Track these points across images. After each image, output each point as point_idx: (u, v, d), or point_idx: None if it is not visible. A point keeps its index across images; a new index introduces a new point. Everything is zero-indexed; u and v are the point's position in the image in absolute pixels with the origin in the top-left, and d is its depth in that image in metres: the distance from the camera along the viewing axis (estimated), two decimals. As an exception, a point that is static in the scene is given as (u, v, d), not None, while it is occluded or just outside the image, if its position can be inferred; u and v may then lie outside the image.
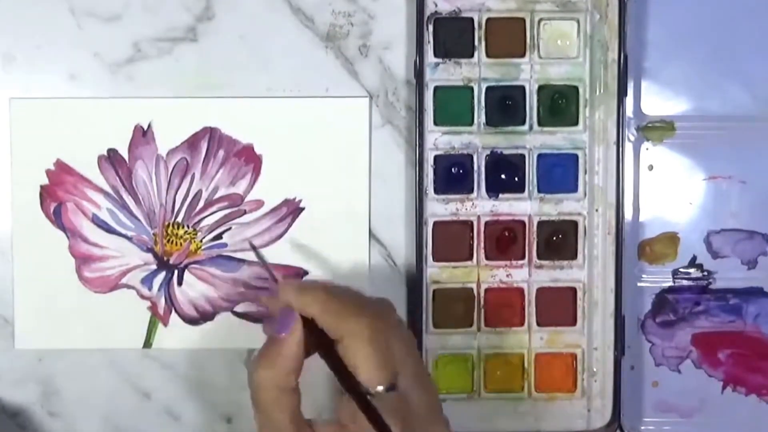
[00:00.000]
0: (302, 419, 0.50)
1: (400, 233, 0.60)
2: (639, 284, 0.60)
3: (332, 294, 0.50)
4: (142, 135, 0.59)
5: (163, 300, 0.60)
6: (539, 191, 0.59)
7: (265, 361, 0.49)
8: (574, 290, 0.59)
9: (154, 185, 0.59)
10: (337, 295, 0.50)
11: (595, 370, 0.60)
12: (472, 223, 0.59)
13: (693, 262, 0.60)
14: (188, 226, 0.59)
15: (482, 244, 0.59)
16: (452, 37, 0.58)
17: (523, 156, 0.59)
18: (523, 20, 0.58)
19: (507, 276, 0.59)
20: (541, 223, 0.59)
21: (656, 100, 0.60)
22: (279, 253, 0.59)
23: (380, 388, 0.48)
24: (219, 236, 0.59)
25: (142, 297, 0.60)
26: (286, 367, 0.49)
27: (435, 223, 0.59)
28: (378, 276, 0.60)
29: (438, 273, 0.59)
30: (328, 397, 0.59)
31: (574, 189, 0.59)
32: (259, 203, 0.59)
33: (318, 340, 0.49)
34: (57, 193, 0.59)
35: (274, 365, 0.49)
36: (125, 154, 0.59)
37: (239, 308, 0.60)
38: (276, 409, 0.50)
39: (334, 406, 0.51)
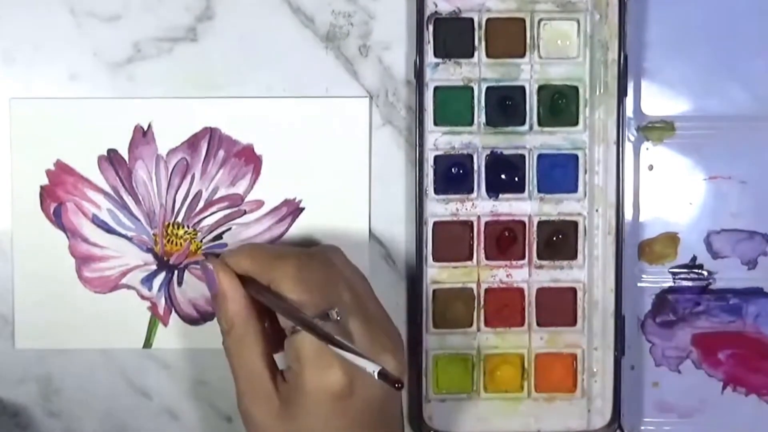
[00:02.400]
0: (272, 360, 0.53)
1: (400, 233, 0.60)
2: (639, 284, 0.60)
3: (260, 246, 0.56)
4: (142, 135, 0.59)
5: (163, 300, 0.60)
6: (539, 191, 0.59)
7: (219, 314, 0.53)
8: (574, 290, 0.59)
9: (154, 185, 0.59)
10: (265, 246, 0.57)
11: (595, 370, 0.60)
12: (472, 223, 0.59)
13: (693, 262, 0.60)
14: (188, 227, 0.59)
15: (482, 244, 0.59)
16: (452, 37, 0.58)
17: (523, 156, 0.59)
18: (523, 20, 0.58)
19: (507, 276, 0.59)
20: (541, 223, 0.59)
21: (656, 100, 0.60)
22: (279, 253, 0.59)
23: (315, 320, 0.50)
24: (219, 236, 0.59)
25: (142, 297, 0.60)
26: (234, 310, 0.52)
27: (435, 223, 0.59)
28: (378, 276, 0.60)
29: (438, 273, 0.59)
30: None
31: (574, 189, 0.59)
32: (259, 203, 0.59)
33: (256, 291, 0.52)
34: (57, 193, 0.59)
35: (224, 317, 0.53)
36: (125, 154, 0.59)
37: (239, 308, 0.60)
38: (244, 352, 0.53)
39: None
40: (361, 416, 0.51)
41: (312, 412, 0.51)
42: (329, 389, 0.50)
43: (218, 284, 0.53)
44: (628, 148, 0.60)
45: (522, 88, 0.58)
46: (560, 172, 0.59)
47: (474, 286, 0.59)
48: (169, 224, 0.59)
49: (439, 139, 0.59)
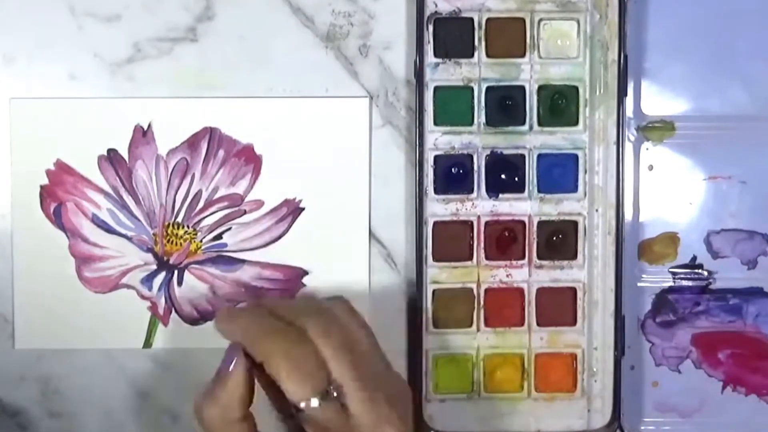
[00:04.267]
0: None
1: (400, 233, 0.60)
2: (639, 284, 0.60)
3: (255, 318, 0.50)
4: (142, 135, 0.59)
5: (163, 300, 0.60)
6: (539, 191, 0.59)
7: (210, 399, 0.50)
8: (574, 290, 0.59)
9: (154, 185, 0.59)
10: (260, 318, 0.50)
11: (595, 370, 0.60)
12: (472, 223, 0.59)
13: (693, 262, 0.60)
14: (188, 226, 0.59)
15: (482, 244, 0.59)
16: (452, 37, 0.58)
17: (523, 156, 0.59)
18: (523, 20, 0.58)
19: (507, 276, 0.59)
20: (541, 223, 0.59)
21: (656, 100, 0.60)
22: (279, 253, 0.59)
23: (313, 401, 0.48)
24: (219, 236, 0.59)
25: (142, 297, 0.60)
26: (230, 402, 0.49)
27: (435, 223, 0.59)
28: (378, 276, 0.60)
29: (438, 273, 0.59)
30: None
31: (574, 189, 0.59)
32: (259, 203, 0.59)
33: (253, 367, 0.49)
34: (57, 193, 0.59)
35: (218, 403, 0.49)
36: (125, 154, 0.59)
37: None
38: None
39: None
40: None
41: None
42: None
43: (233, 366, 0.49)
44: (628, 148, 0.60)
45: (522, 88, 0.58)
46: (560, 172, 0.59)
47: (474, 286, 0.59)
48: (169, 224, 0.59)
49: (439, 139, 0.59)
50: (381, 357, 0.52)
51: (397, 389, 0.51)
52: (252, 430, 0.50)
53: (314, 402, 0.48)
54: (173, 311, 0.60)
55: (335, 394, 0.48)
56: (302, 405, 0.48)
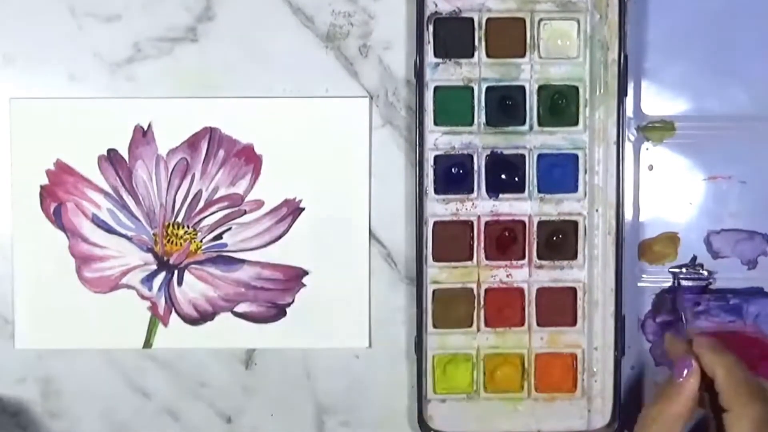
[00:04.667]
0: None
1: (400, 233, 0.60)
2: (639, 284, 0.60)
3: (741, 367, 0.52)
4: (142, 135, 0.59)
5: (163, 300, 0.60)
6: (539, 191, 0.59)
7: (665, 398, 0.53)
8: (574, 290, 0.59)
9: (154, 185, 0.59)
10: (745, 370, 0.52)
11: (595, 370, 0.60)
12: (472, 223, 0.59)
13: (693, 262, 0.60)
14: (188, 226, 0.59)
15: (482, 244, 0.59)
16: (452, 37, 0.58)
17: (523, 156, 0.59)
18: (523, 20, 0.58)
19: (507, 276, 0.59)
20: (541, 223, 0.59)
21: (656, 100, 0.60)
22: (279, 253, 0.59)
23: None
24: (219, 236, 0.59)
25: (142, 297, 0.60)
26: (680, 405, 0.52)
27: (435, 223, 0.59)
28: (378, 276, 0.60)
29: (438, 273, 0.59)
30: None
31: (574, 189, 0.59)
32: (259, 203, 0.59)
33: (710, 400, 0.52)
34: (57, 193, 0.59)
35: (673, 401, 0.53)
36: (125, 154, 0.59)
37: (239, 308, 0.60)
38: None
39: None
40: None
41: None
42: None
43: (686, 378, 0.53)
44: (628, 148, 0.60)
45: (522, 88, 0.58)
46: (560, 172, 0.59)
47: (474, 286, 0.59)
48: (169, 224, 0.59)
49: (439, 139, 0.59)
50: None
51: None
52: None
53: None
54: (173, 311, 0.60)
55: None
56: None
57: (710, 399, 0.53)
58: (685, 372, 0.53)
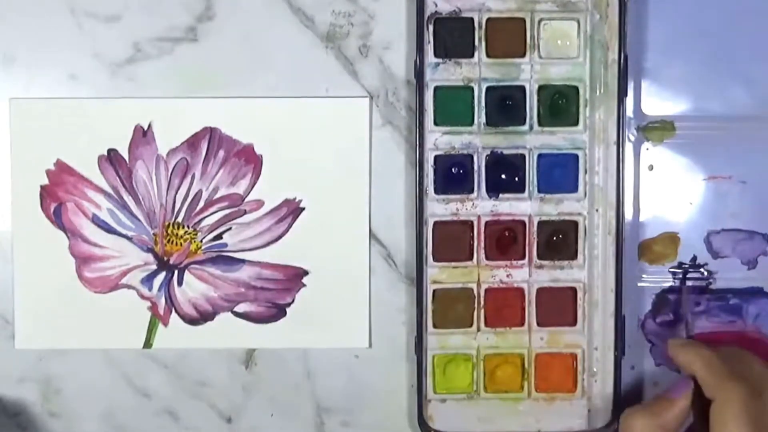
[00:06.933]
0: None
1: (400, 233, 0.60)
2: (639, 284, 0.60)
3: (716, 354, 0.53)
4: (142, 135, 0.59)
5: (163, 300, 0.60)
6: (539, 191, 0.59)
7: (645, 412, 0.53)
8: (574, 290, 0.59)
9: (154, 185, 0.59)
10: (721, 356, 0.53)
11: (595, 370, 0.60)
12: (472, 223, 0.59)
13: (693, 262, 0.60)
14: (188, 226, 0.59)
15: (482, 244, 0.59)
16: (452, 37, 0.58)
17: (523, 156, 0.59)
18: (523, 20, 0.58)
19: (507, 276, 0.59)
20: (541, 223, 0.59)
21: (656, 100, 0.60)
22: (279, 253, 0.59)
23: None
24: (219, 236, 0.59)
25: (142, 297, 0.60)
26: (669, 424, 0.53)
27: (435, 223, 0.59)
28: (378, 276, 0.60)
29: (438, 273, 0.59)
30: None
31: (574, 189, 0.59)
32: (259, 203, 0.59)
33: (696, 397, 0.53)
34: (57, 193, 0.59)
35: (658, 421, 0.53)
36: (125, 154, 0.59)
37: (239, 308, 0.60)
38: None
39: None
40: None
41: None
42: None
43: (682, 396, 0.53)
44: (628, 148, 0.60)
45: (522, 88, 0.58)
46: (560, 172, 0.59)
47: (474, 286, 0.59)
48: (169, 224, 0.59)
49: (439, 139, 0.59)
50: None
51: None
52: None
53: None
54: (173, 311, 0.60)
55: None
56: None
57: (699, 408, 0.53)
58: (683, 391, 0.53)
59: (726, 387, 0.51)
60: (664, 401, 0.53)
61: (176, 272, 0.60)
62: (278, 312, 0.60)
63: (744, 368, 0.52)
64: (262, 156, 0.59)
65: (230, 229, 0.59)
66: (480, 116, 0.59)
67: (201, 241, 0.60)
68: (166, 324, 0.60)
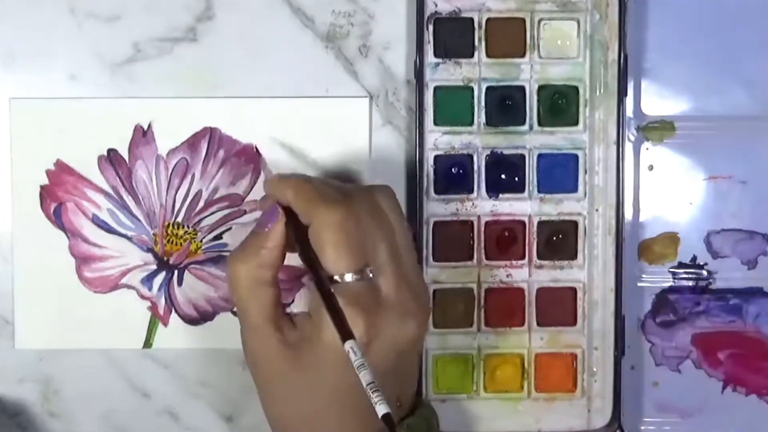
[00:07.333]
0: (280, 313, 0.51)
1: (400, 233, 0.60)
2: (639, 284, 0.60)
3: (309, 181, 0.51)
4: (142, 135, 0.59)
5: (163, 300, 0.60)
6: (539, 191, 0.59)
7: (243, 255, 0.51)
8: (574, 290, 0.59)
9: (154, 185, 0.59)
10: (315, 182, 0.51)
11: (595, 370, 0.60)
12: (472, 223, 0.59)
13: (693, 262, 0.60)
14: (188, 226, 0.59)
15: (482, 244, 0.59)
16: (452, 37, 0.58)
17: (523, 156, 0.59)
18: (523, 20, 0.58)
19: (507, 276, 0.59)
20: (541, 223, 0.59)
21: (656, 100, 0.60)
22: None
23: (348, 276, 0.49)
24: (219, 236, 0.59)
25: (142, 297, 0.60)
26: (263, 260, 0.50)
27: (435, 223, 0.59)
28: (378, 276, 0.60)
29: (438, 273, 0.59)
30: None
31: (574, 189, 0.59)
32: (259, 203, 0.59)
33: (293, 227, 0.50)
34: (57, 193, 0.59)
35: (250, 259, 0.50)
36: (125, 154, 0.59)
37: (239, 308, 0.60)
38: (252, 304, 0.50)
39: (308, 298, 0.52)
40: (375, 367, 0.46)
41: (325, 365, 0.49)
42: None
43: (273, 225, 0.50)
44: (628, 148, 0.60)
45: (522, 88, 0.58)
46: (560, 172, 0.59)
47: (474, 286, 0.59)
48: (169, 224, 0.59)
49: (439, 139, 0.59)
50: (414, 253, 0.53)
51: (420, 289, 0.52)
52: (278, 301, 0.51)
53: (349, 277, 0.48)
54: (173, 311, 0.60)
55: (371, 275, 0.49)
56: (337, 277, 0.49)
57: (300, 239, 0.50)
58: (274, 219, 0.50)
59: (320, 211, 0.49)
60: (259, 236, 0.50)
61: (176, 272, 0.60)
62: (278, 312, 0.60)
63: (338, 192, 0.50)
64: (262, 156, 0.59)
65: (230, 229, 0.59)
66: (480, 116, 0.59)
67: (201, 241, 0.60)
68: (166, 324, 0.60)
